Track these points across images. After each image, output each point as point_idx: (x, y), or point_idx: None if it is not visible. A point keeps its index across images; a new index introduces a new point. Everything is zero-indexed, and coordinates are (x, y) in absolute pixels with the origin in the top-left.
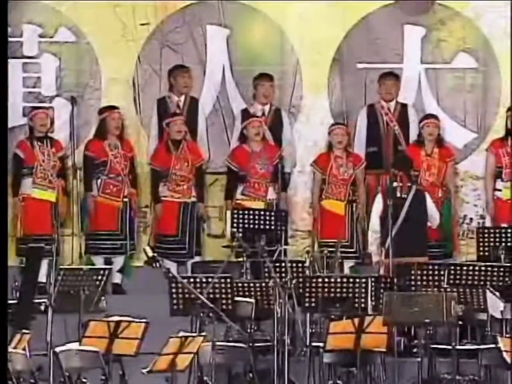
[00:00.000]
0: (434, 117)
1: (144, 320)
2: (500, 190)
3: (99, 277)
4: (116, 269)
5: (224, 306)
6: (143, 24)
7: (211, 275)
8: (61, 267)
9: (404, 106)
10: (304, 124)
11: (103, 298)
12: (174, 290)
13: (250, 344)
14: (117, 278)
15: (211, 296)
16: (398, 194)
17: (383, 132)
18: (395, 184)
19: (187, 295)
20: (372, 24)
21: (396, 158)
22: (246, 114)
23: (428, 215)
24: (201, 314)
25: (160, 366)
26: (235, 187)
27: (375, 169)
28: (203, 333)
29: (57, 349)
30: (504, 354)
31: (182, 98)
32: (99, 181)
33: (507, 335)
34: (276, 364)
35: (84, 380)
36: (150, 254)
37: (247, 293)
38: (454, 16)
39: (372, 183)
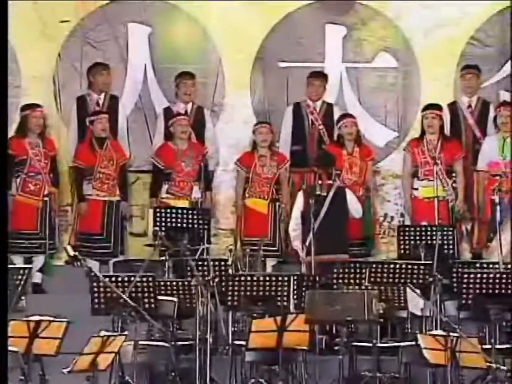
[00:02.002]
0: (351, 116)
1: (64, 320)
2: (416, 189)
3: (19, 277)
4: (37, 269)
5: (146, 305)
6: (63, 22)
7: (133, 274)
8: None
9: (330, 105)
10: (227, 123)
11: (23, 297)
12: (95, 289)
13: (172, 343)
14: (37, 277)
15: (133, 295)
16: (318, 192)
17: (308, 131)
18: (318, 181)
19: (108, 294)
20: (294, 23)
21: (318, 156)
22: (168, 113)
23: (349, 210)
24: (123, 313)
25: (81, 366)
26: (160, 185)
27: (300, 168)
28: (125, 332)
29: None
30: (424, 351)
31: (102, 96)
32: (18, 179)
33: (426, 333)
34: (198, 363)
35: None
36: (71, 253)
37: (169, 292)
38: (374, 15)
39: (297, 182)
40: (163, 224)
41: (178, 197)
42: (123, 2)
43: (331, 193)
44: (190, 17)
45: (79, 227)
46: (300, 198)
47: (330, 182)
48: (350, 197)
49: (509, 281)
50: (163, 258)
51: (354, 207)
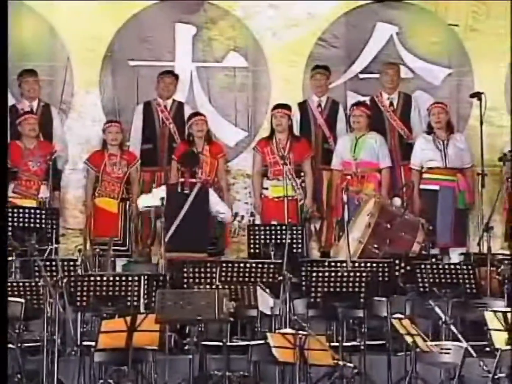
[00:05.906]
0: (200, 114)
1: None
2: (266, 188)
3: None
4: None
5: None
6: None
7: None
8: None
9: (180, 104)
10: (76, 121)
11: None
12: None
13: (19, 345)
14: None
15: None
16: (179, 189)
17: (159, 129)
18: (180, 179)
19: None
20: (143, 22)
21: (182, 154)
22: (14, 110)
23: (214, 211)
24: None
25: None
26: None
27: (150, 166)
28: None
29: None
30: (273, 349)
31: None
32: None
33: (276, 331)
34: (46, 364)
35: None
36: None
37: (16, 293)
38: (224, 15)
39: (148, 180)
40: (10, 223)
41: (24, 196)
42: None
43: (194, 192)
44: (37, 15)
45: None
46: (162, 192)
47: (193, 180)
48: (215, 199)
49: (356, 279)
50: (10, 258)
51: (220, 209)
